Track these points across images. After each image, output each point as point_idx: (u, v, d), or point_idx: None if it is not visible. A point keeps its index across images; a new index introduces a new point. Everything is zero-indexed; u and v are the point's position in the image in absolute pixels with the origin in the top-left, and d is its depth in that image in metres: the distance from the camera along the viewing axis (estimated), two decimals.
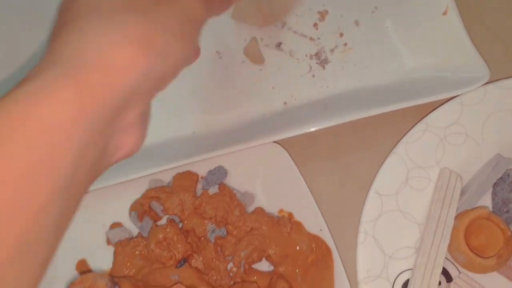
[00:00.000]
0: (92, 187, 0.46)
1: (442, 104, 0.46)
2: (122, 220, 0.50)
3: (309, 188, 0.46)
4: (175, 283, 0.40)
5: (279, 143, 0.48)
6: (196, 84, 0.51)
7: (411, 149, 0.45)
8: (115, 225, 0.50)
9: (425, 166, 0.44)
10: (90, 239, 0.49)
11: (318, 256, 0.45)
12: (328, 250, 0.45)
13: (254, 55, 0.50)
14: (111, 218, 0.50)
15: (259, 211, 0.47)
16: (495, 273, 0.43)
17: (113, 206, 0.50)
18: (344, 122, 0.46)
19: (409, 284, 0.41)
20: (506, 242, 0.41)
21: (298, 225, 0.46)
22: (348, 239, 0.44)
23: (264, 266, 0.47)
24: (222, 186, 0.47)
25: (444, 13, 0.49)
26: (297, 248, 0.45)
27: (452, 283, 0.42)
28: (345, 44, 0.51)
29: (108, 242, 0.49)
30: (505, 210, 0.43)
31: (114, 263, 0.47)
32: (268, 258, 0.46)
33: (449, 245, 0.42)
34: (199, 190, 0.49)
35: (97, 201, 0.49)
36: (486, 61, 0.46)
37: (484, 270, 0.41)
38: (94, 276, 0.38)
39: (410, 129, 0.45)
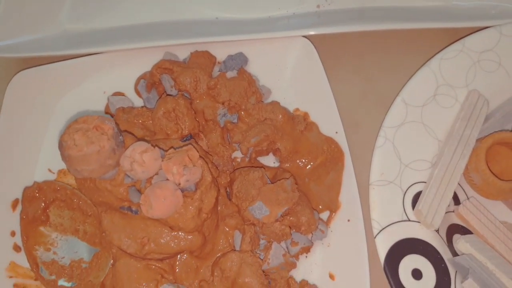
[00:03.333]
0: (101, 49, 0.45)
1: (481, 29, 0.46)
2: (125, 91, 0.48)
3: (332, 90, 0.45)
4: (187, 143, 0.39)
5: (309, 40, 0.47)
6: None
7: (444, 66, 0.45)
8: (118, 94, 0.48)
9: (454, 86, 0.45)
10: (87, 104, 0.47)
11: (329, 158, 0.45)
12: (340, 153, 0.44)
13: None
14: (114, 86, 0.48)
15: (276, 103, 0.46)
16: (502, 205, 0.44)
17: (119, 75, 0.48)
18: (380, 29, 0.45)
19: (421, 195, 0.41)
20: None
21: (312, 125, 0.46)
22: (364, 146, 0.45)
23: (270, 161, 0.46)
24: (242, 71, 0.46)
25: None
26: (308, 146, 0.45)
27: (461, 205, 0.42)
28: None
29: (107, 109, 0.47)
30: None
31: None
32: (276, 152, 0.45)
33: (467, 165, 0.42)
34: (215, 73, 0.47)
35: (102, 65, 0.48)
36: None
37: (497, 194, 0.42)
38: (101, 118, 0.36)
39: (447, 46, 0.45)
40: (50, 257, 0.43)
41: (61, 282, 0.42)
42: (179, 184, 0.36)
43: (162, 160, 0.36)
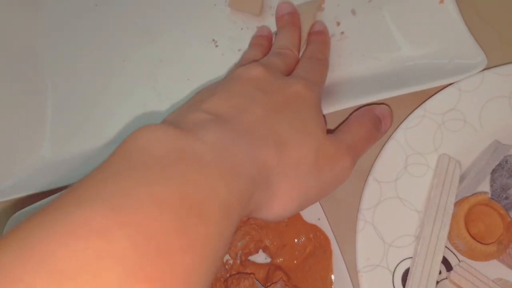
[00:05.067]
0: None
1: (440, 91, 0.48)
2: None
3: None
4: None
5: None
6: (192, 72, 0.53)
7: (409, 135, 0.47)
8: None
9: (423, 153, 0.46)
10: None
11: (316, 246, 0.46)
12: (326, 240, 0.46)
13: None
14: None
15: None
16: (495, 261, 0.45)
17: None
18: (341, 109, 0.47)
19: (409, 272, 0.43)
20: (506, 228, 0.43)
21: (295, 216, 0.48)
22: (347, 228, 0.46)
23: (261, 258, 0.48)
24: None
25: (441, 2, 0.51)
26: (295, 238, 0.47)
27: (452, 272, 0.43)
28: (342, 33, 0.53)
29: None
30: (504, 196, 0.45)
31: None
32: (265, 249, 0.47)
33: (449, 233, 0.44)
34: None
35: None
36: (481, 48, 0.48)
37: (485, 257, 0.43)
38: None
39: (408, 115, 0.47)
40: None
41: None
42: None
43: None
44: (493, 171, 0.47)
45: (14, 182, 0.53)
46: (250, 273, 0.45)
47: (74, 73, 0.56)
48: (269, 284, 0.43)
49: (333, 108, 0.48)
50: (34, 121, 0.55)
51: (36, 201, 0.50)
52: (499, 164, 0.46)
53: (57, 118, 0.55)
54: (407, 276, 0.43)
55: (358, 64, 0.52)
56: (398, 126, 0.48)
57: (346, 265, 0.45)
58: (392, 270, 0.43)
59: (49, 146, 0.55)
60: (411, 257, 0.44)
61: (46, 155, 0.54)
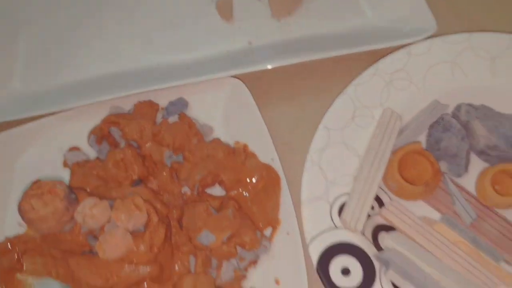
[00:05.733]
0: (53, 109, 0.52)
1: (392, 52, 0.53)
2: (79, 145, 0.55)
3: (264, 122, 0.52)
4: (137, 188, 0.46)
5: (240, 79, 0.54)
6: (165, 18, 0.57)
7: (359, 90, 0.52)
8: (73, 149, 0.54)
9: (370, 106, 0.52)
10: (46, 162, 0.54)
11: (268, 182, 0.52)
12: (277, 178, 0.51)
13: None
14: (69, 142, 0.55)
15: (216, 140, 0.53)
16: (421, 202, 0.50)
17: (72, 131, 0.55)
18: (301, 61, 0.52)
19: (345, 206, 0.48)
20: (434, 174, 0.49)
21: (251, 155, 0.53)
22: (296, 167, 0.51)
23: (217, 191, 0.53)
24: (182, 115, 0.53)
25: None
26: (249, 174, 0.52)
27: (383, 208, 0.49)
28: None
29: (65, 164, 0.54)
30: (436, 148, 0.51)
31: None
32: (221, 183, 0.52)
33: (384, 175, 0.49)
34: (159, 120, 0.55)
35: (56, 124, 0.55)
36: (434, 17, 0.53)
37: (413, 196, 0.49)
38: (52, 182, 0.43)
39: (362, 72, 0.52)
40: None
41: None
42: (128, 229, 0.42)
43: (112, 210, 0.43)
44: (431, 126, 0.52)
45: None
46: (207, 199, 0.50)
47: (49, 7, 0.60)
48: (224, 206, 0.48)
49: (292, 60, 0.53)
50: (6, 53, 0.58)
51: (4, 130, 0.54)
52: (436, 121, 0.52)
53: (29, 50, 0.59)
54: (343, 208, 0.49)
55: (321, 23, 0.57)
56: (350, 82, 0.53)
57: (292, 199, 0.50)
58: (331, 202, 0.49)
59: (20, 77, 0.58)
60: (348, 193, 0.49)
61: (16, 87, 0.58)
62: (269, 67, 0.53)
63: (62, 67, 0.58)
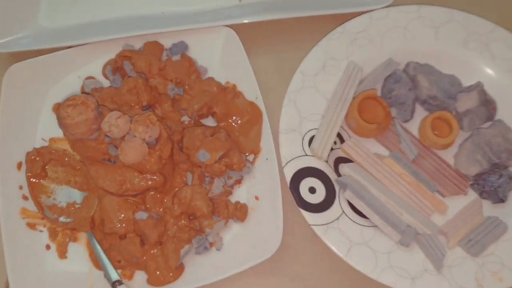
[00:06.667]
0: (74, 43, 0.62)
1: (356, 16, 0.66)
2: (96, 75, 0.65)
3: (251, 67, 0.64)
4: (147, 112, 0.57)
5: (233, 29, 0.65)
6: None
7: (330, 44, 0.64)
8: (90, 78, 0.65)
9: (338, 59, 0.64)
10: (67, 88, 0.64)
11: (252, 116, 0.63)
12: (260, 113, 0.63)
13: None
14: (86, 72, 0.65)
15: (211, 78, 0.64)
16: (374, 141, 0.64)
17: (90, 63, 0.65)
18: (284, 17, 0.64)
19: (314, 138, 0.61)
20: (385, 116, 0.62)
21: (239, 93, 0.65)
22: (276, 105, 0.64)
23: (209, 122, 0.64)
24: (184, 55, 0.64)
25: None
26: (237, 109, 0.63)
27: (344, 143, 0.62)
28: None
29: (82, 90, 0.64)
30: (388, 96, 0.64)
31: None
32: (214, 115, 0.64)
33: (346, 115, 0.62)
34: (164, 58, 0.65)
35: (76, 56, 0.64)
36: None
37: (368, 134, 0.62)
38: (85, 96, 0.54)
39: (331, 30, 0.65)
40: (51, 202, 0.60)
41: (61, 219, 0.59)
42: (144, 139, 0.54)
43: (131, 123, 0.54)
44: (385, 79, 0.65)
45: (13, 38, 0.65)
46: (201, 125, 0.62)
47: None
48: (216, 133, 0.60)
49: (279, 16, 0.64)
50: None
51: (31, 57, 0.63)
52: (390, 74, 0.65)
53: None
54: (312, 140, 0.61)
55: None
56: (323, 37, 0.65)
57: (271, 131, 0.62)
58: (303, 134, 0.61)
59: (46, 14, 0.67)
60: (317, 129, 0.62)
61: (43, 23, 0.67)
62: (255, 20, 0.65)
63: (84, 8, 0.67)
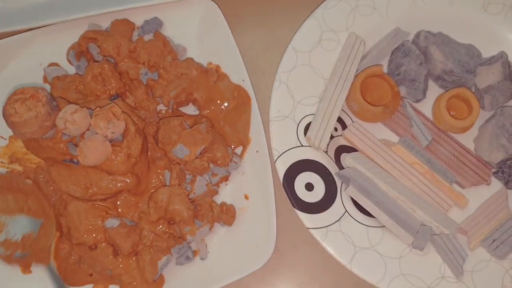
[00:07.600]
0: (32, 25, 0.53)
1: None
2: (59, 61, 0.56)
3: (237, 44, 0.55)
4: (114, 102, 0.48)
5: (213, 1, 0.56)
6: None
7: (327, 14, 0.55)
8: (53, 65, 0.56)
9: (337, 30, 0.55)
10: (27, 77, 0.56)
11: (239, 102, 0.55)
12: (248, 98, 0.55)
13: None
14: (48, 58, 0.56)
15: (190, 59, 0.56)
16: (381, 125, 0.55)
17: (52, 48, 0.56)
18: None
19: (310, 125, 0.52)
20: (393, 97, 0.54)
21: (223, 76, 0.56)
22: (266, 88, 0.55)
23: (190, 110, 0.56)
24: (157, 34, 0.55)
25: None
26: (222, 95, 0.55)
27: (346, 130, 0.54)
28: None
29: (45, 79, 0.56)
30: (396, 73, 0.55)
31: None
32: (194, 102, 0.56)
33: (347, 97, 0.54)
34: (135, 37, 0.56)
35: (36, 41, 0.56)
36: None
37: (373, 118, 0.54)
38: (34, 88, 0.45)
39: None
40: (2, 237, 0.50)
41: (16, 254, 0.50)
42: (107, 136, 0.46)
43: (91, 118, 0.46)
44: (392, 53, 0.56)
45: None
46: (179, 115, 0.53)
47: None
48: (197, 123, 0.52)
49: None
50: None
51: None
52: (397, 47, 0.56)
53: None
54: (308, 128, 0.53)
55: None
56: (319, 5, 0.56)
57: (261, 118, 0.54)
58: (298, 122, 0.53)
59: None
60: (314, 114, 0.54)
61: None
62: None
63: None
